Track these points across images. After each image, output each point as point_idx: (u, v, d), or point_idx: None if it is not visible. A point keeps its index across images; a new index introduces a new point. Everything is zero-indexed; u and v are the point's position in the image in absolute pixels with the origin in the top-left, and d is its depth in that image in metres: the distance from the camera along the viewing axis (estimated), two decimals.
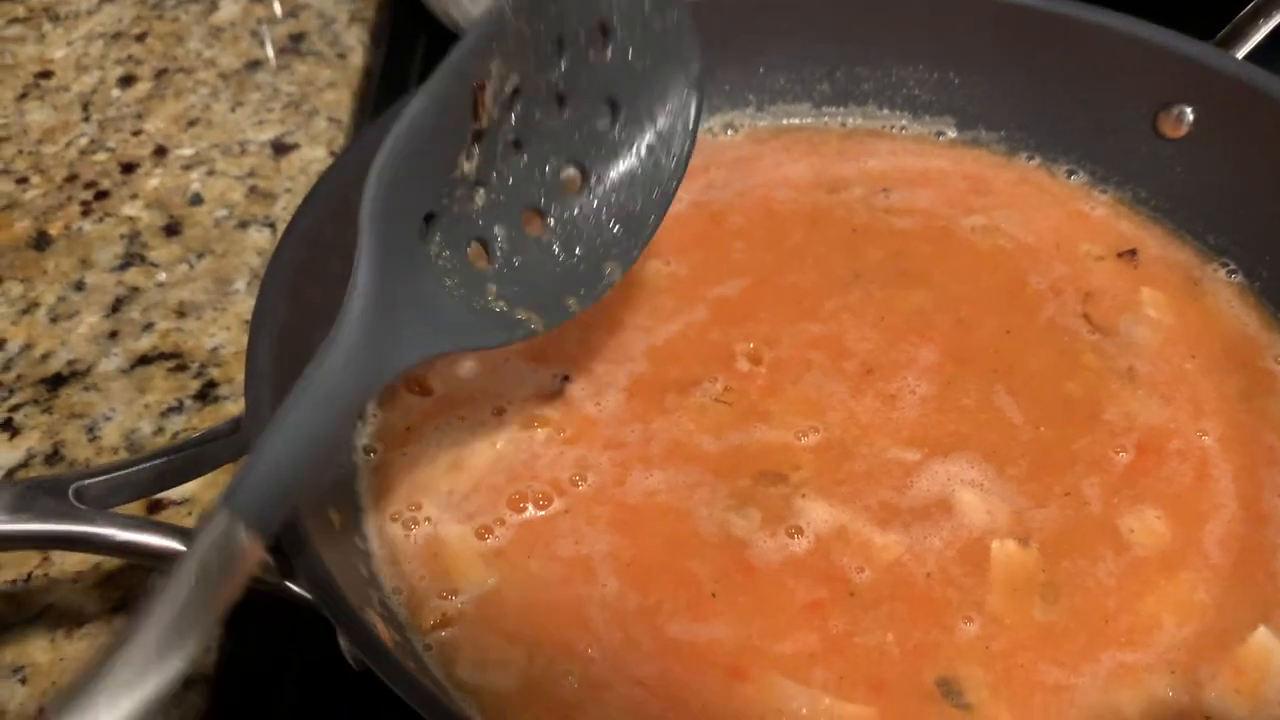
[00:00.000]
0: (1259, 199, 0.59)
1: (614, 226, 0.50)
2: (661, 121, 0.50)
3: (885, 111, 0.68)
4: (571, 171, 0.49)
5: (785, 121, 0.69)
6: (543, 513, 0.51)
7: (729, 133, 0.68)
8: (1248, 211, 0.60)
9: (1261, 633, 0.47)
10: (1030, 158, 0.67)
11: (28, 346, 0.66)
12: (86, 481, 0.43)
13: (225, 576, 0.35)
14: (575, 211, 0.49)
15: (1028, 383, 0.56)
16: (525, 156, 0.48)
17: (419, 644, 0.47)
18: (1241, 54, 0.60)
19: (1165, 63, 0.60)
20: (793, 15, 0.65)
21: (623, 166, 0.50)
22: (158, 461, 0.46)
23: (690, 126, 0.50)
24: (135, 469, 0.45)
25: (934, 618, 0.47)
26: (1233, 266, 0.61)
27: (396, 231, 0.43)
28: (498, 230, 0.47)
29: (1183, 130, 0.61)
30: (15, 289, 0.69)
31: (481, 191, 0.47)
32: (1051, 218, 0.64)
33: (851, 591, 0.48)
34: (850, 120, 0.69)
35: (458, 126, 0.45)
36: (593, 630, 0.47)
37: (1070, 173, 0.66)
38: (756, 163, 0.67)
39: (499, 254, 0.47)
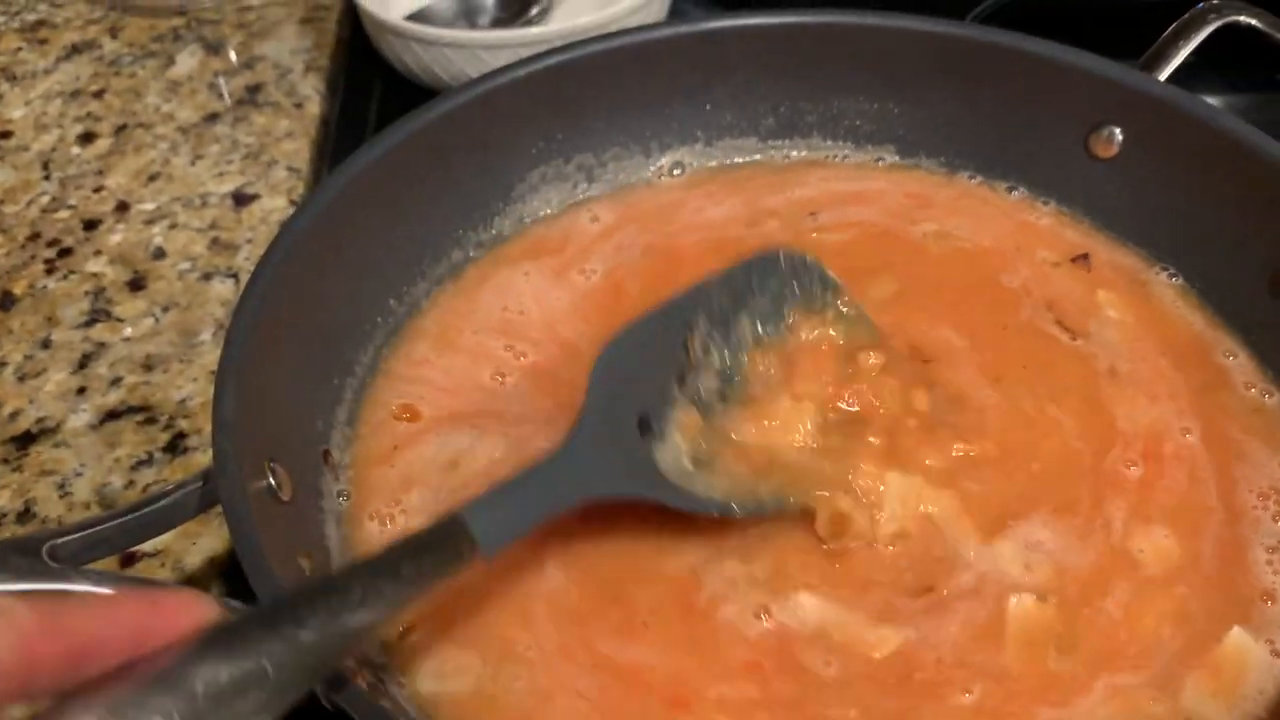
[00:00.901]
0: (1188, 212, 0.61)
1: None
2: None
3: (829, 142, 0.70)
4: None
5: (733, 160, 0.70)
6: None
7: (676, 172, 0.69)
8: (1179, 224, 0.62)
9: (1236, 633, 0.47)
10: (971, 177, 0.68)
11: None
12: (60, 540, 0.44)
13: (442, 563, 0.42)
14: None
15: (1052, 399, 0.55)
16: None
17: (391, 680, 0.47)
18: (1164, 75, 0.63)
19: (1093, 86, 0.63)
20: (736, 53, 0.67)
21: None
22: (129, 517, 0.47)
23: None
24: (107, 525, 0.46)
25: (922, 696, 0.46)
26: (1173, 270, 0.62)
27: (614, 404, 0.50)
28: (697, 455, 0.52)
29: (1113, 150, 0.64)
30: None
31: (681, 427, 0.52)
32: (1002, 225, 0.65)
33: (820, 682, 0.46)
34: (795, 152, 0.70)
35: (673, 350, 0.52)
36: (533, 629, 0.48)
37: (1011, 189, 0.67)
38: (676, 210, 0.67)
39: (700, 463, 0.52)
